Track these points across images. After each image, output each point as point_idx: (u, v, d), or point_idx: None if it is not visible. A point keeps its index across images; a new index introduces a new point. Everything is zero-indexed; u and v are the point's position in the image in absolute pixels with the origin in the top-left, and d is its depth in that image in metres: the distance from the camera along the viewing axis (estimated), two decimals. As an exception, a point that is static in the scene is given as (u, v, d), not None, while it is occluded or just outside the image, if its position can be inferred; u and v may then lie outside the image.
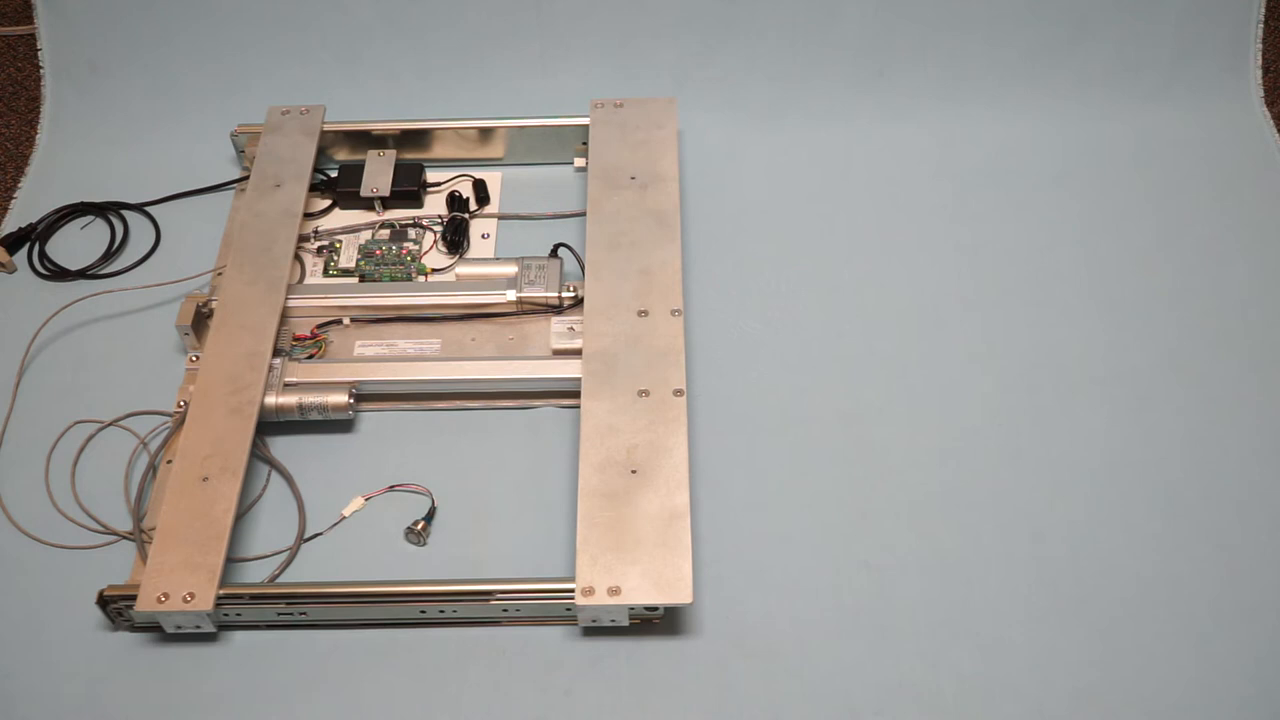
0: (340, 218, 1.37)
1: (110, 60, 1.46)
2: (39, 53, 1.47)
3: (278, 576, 1.09)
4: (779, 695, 1.02)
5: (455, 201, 1.37)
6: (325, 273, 1.31)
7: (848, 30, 1.45)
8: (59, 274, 1.34)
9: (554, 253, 1.28)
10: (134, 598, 1.03)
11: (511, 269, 1.26)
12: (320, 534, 1.12)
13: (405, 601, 1.03)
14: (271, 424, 1.17)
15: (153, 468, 1.15)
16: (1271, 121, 1.45)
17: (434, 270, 1.31)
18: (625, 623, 1.03)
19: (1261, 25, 1.46)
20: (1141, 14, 1.43)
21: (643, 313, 1.17)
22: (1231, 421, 1.19)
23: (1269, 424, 1.19)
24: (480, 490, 1.15)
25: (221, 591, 1.01)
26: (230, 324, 1.18)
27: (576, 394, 1.19)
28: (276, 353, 1.18)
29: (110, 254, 1.36)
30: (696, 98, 1.46)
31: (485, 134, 1.40)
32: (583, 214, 1.37)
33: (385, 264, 1.31)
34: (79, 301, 1.29)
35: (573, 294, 1.24)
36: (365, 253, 1.32)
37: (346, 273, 1.31)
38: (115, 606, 1.03)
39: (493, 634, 1.06)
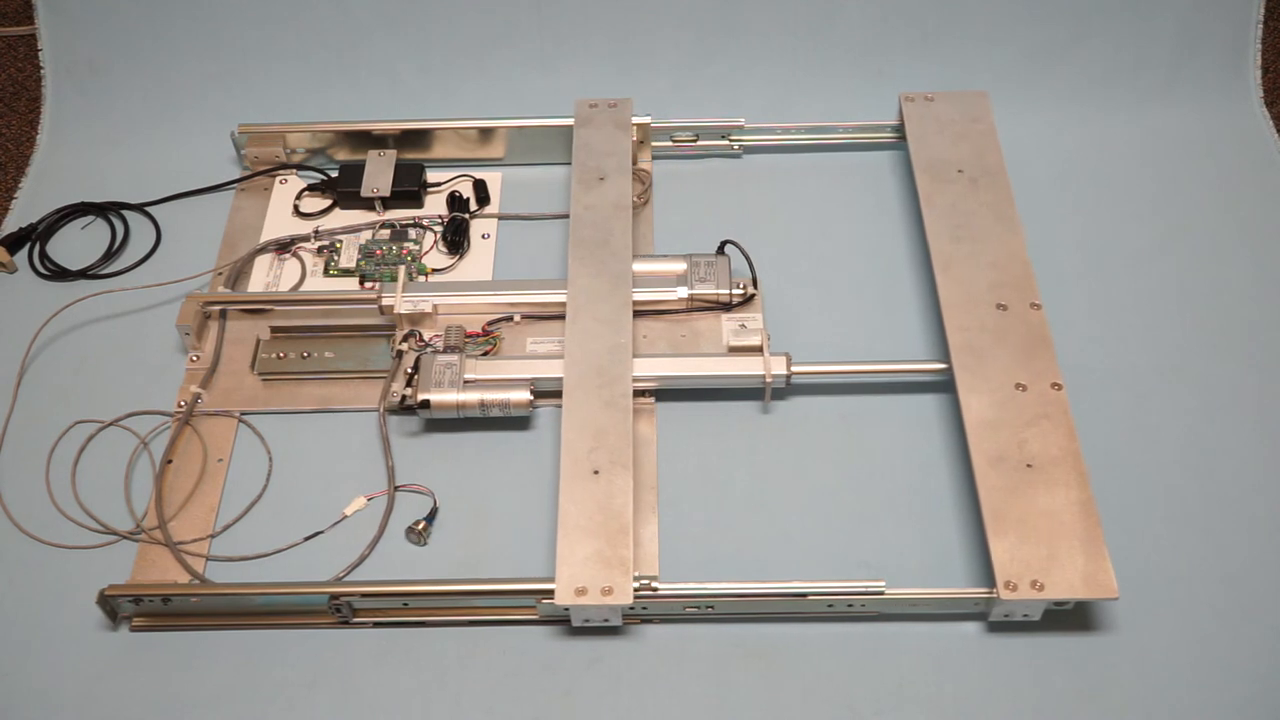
0: (340, 217, 1.37)
1: (110, 60, 1.46)
2: (39, 53, 1.47)
3: (342, 578, 1.09)
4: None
5: (455, 201, 1.37)
6: (325, 273, 1.31)
7: (848, 30, 1.45)
8: (59, 274, 1.34)
9: (721, 250, 1.28)
10: (135, 597, 1.04)
11: (680, 266, 1.25)
12: (321, 532, 1.12)
13: (793, 597, 1.03)
14: (438, 421, 1.18)
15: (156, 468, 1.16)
16: (1271, 121, 1.45)
17: (434, 270, 1.31)
18: (1038, 618, 1.03)
19: (1261, 25, 1.46)
20: (1141, 14, 1.43)
21: (1001, 306, 1.18)
22: (1230, 420, 1.19)
23: (1269, 423, 1.19)
24: (482, 490, 1.15)
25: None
26: (584, 317, 1.19)
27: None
28: (451, 350, 1.18)
29: (111, 254, 1.36)
30: (695, 98, 1.46)
31: (485, 134, 1.40)
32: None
33: (386, 264, 1.31)
34: (79, 301, 1.29)
35: (742, 291, 1.24)
36: (365, 253, 1.32)
37: (347, 273, 1.31)
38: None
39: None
